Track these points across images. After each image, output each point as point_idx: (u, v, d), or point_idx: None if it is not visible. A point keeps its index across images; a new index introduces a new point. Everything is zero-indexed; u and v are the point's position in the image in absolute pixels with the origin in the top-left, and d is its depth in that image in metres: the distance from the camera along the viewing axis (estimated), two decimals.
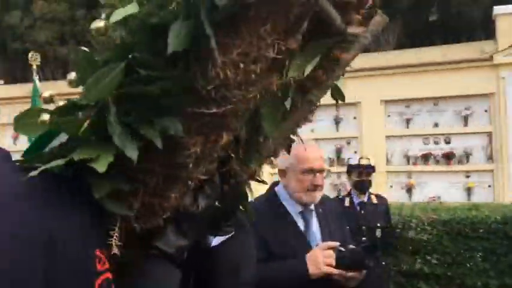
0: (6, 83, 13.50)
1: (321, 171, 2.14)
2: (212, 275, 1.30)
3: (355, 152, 9.72)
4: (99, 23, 0.88)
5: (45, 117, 0.81)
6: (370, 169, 4.57)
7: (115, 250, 0.81)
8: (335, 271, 1.98)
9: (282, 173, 2.21)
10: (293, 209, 2.16)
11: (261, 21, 0.84)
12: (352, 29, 1.09)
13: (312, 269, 1.98)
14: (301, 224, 2.16)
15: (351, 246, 2.09)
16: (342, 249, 2.03)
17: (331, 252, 2.01)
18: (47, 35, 14.66)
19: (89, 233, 0.76)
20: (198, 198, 0.97)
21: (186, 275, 1.20)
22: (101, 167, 0.75)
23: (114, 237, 0.83)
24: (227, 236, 1.28)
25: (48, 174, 0.74)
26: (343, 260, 2.00)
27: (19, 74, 15.02)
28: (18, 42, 15.18)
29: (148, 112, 0.82)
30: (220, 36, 0.82)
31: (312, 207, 2.19)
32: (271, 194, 2.25)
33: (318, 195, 2.16)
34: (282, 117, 1.11)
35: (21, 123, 0.83)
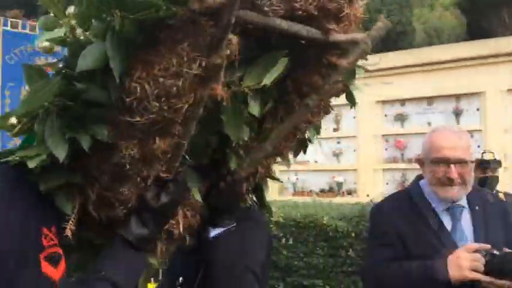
0: None
1: (458, 162, 1.83)
2: (209, 265, 1.41)
3: (478, 146, 8.97)
4: (44, 43, 1.13)
5: (13, 120, 1.01)
6: (496, 164, 4.22)
7: (68, 233, 1.01)
8: (481, 277, 1.70)
9: (419, 162, 1.99)
10: (438, 205, 1.91)
11: (178, 41, 1.01)
12: (336, 37, 1.27)
13: (453, 273, 1.72)
14: (447, 222, 1.89)
15: (507, 250, 1.74)
16: (496, 252, 1.72)
17: (478, 255, 1.72)
18: None
19: (32, 215, 0.97)
20: (160, 194, 1.11)
21: (197, 266, 1.43)
22: (32, 163, 0.95)
23: (70, 222, 1.03)
24: (224, 229, 1.42)
25: (7, 167, 0.98)
26: (495, 265, 1.70)
27: None
28: None
29: (81, 120, 1.00)
30: (140, 54, 1.00)
31: (464, 203, 1.92)
32: (413, 188, 2.03)
33: (456, 191, 1.85)
34: (258, 123, 1.31)
35: None
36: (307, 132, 1.50)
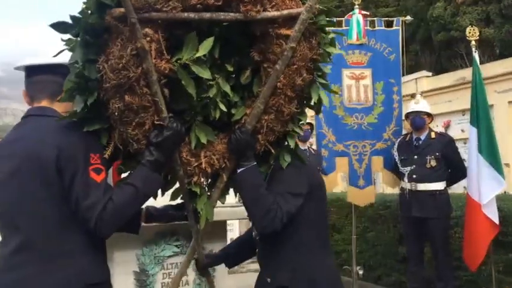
0: (434, 75, 12.74)
1: None
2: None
3: None
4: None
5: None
6: None
7: (105, 155, 1.83)
8: None
9: None
10: None
11: (115, 36, 1.75)
12: (264, 14, 1.86)
13: None
14: None
15: None
16: None
17: None
18: (471, 18, 14.41)
19: (82, 146, 1.75)
20: (158, 134, 1.80)
21: None
22: (77, 110, 1.78)
23: (108, 150, 1.84)
24: (244, 168, 1.99)
25: (70, 122, 1.79)
26: None
27: (444, 64, 15.67)
28: (442, 32, 15.59)
29: (87, 89, 1.77)
30: (101, 47, 1.75)
31: None
32: None
33: None
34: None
35: None
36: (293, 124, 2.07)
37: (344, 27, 5.13)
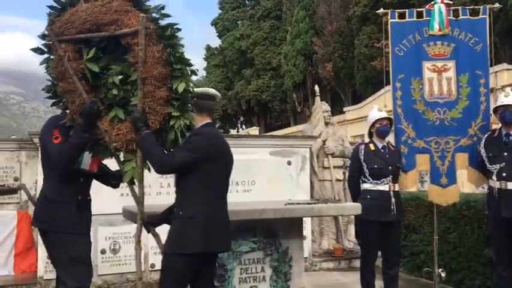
0: None
1: None
2: None
3: None
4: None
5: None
6: None
7: (65, 122, 3.14)
8: None
9: None
10: None
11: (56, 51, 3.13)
12: (119, 31, 2.98)
13: None
14: None
15: None
16: None
17: None
18: None
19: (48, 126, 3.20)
20: (80, 108, 3.02)
21: None
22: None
23: (66, 120, 3.15)
24: (139, 137, 2.98)
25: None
26: None
27: None
28: None
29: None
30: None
31: None
32: None
33: None
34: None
35: None
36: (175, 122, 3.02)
37: (425, 18, 4.88)
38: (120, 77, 3.04)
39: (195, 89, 3.09)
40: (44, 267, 5.57)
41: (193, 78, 3.16)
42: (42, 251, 5.41)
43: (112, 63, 3.09)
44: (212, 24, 40.16)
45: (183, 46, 3.02)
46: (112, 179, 3.45)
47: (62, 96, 3.08)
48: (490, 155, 4.43)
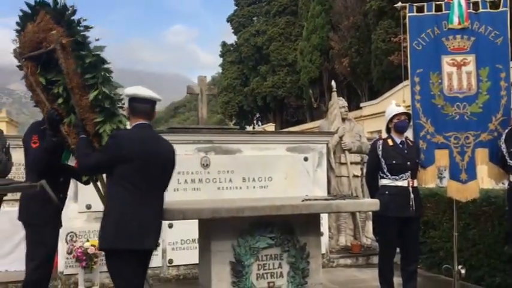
0: None
1: None
2: None
3: None
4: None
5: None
6: None
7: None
8: None
9: None
10: None
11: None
12: (47, 49, 3.47)
13: None
14: None
15: None
16: None
17: None
18: None
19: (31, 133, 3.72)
20: (46, 115, 3.63)
21: None
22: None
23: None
24: (78, 139, 3.46)
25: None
26: None
27: None
28: None
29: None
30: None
31: None
32: None
33: None
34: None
35: None
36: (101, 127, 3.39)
37: (444, 12, 4.81)
38: (62, 87, 3.46)
39: (128, 92, 3.24)
40: (64, 263, 5.64)
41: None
42: (62, 247, 5.47)
43: (57, 75, 3.46)
44: (228, 21, 40.20)
45: (99, 52, 3.43)
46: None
47: (37, 105, 3.61)
48: (510, 150, 4.35)
